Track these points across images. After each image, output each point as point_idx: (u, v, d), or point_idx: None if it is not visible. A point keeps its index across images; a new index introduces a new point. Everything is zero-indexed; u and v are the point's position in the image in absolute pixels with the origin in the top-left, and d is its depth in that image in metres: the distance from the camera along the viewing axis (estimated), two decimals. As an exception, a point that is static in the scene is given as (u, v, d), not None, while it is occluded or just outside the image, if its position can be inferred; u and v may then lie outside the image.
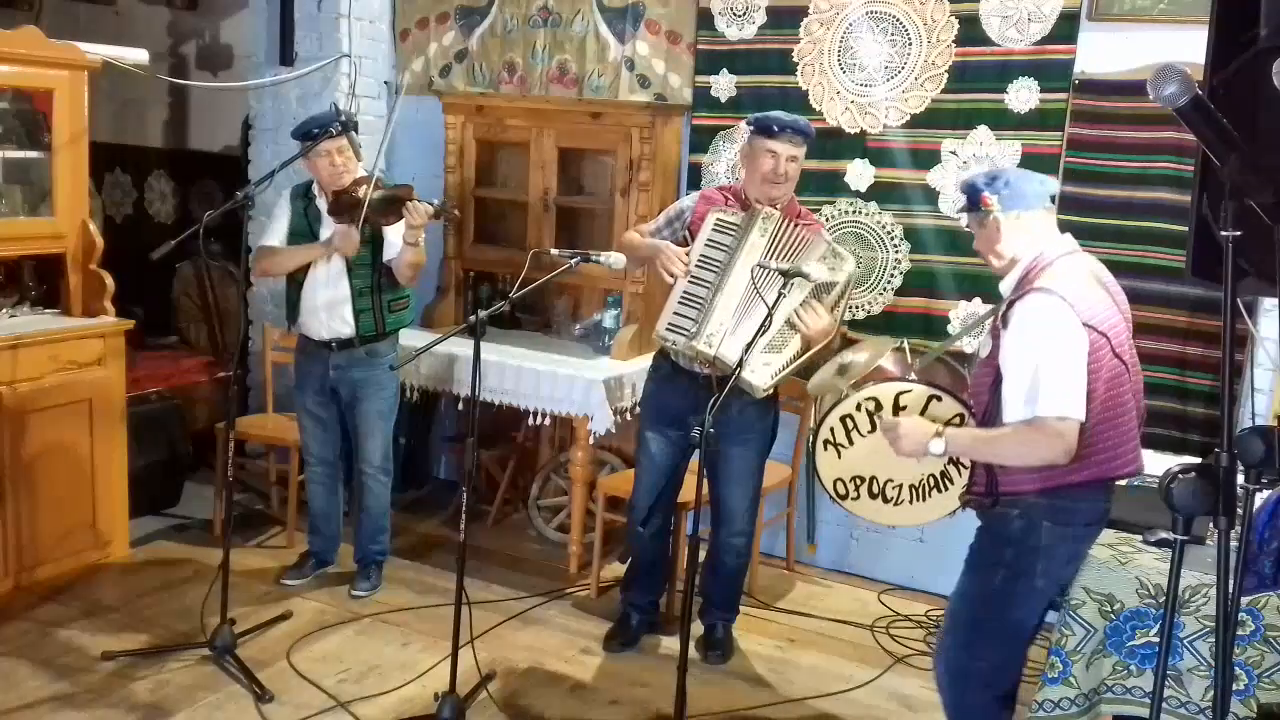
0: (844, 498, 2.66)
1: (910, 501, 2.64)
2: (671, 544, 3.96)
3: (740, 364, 2.89)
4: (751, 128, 3.51)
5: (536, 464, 4.99)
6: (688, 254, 3.45)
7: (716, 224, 3.45)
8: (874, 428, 2.57)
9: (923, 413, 2.55)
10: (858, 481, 2.64)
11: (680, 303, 3.42)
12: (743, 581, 3.89)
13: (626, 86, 4.73)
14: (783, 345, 3.33)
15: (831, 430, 2.60)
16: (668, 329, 3.43)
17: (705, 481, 2.96)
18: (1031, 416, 2.36)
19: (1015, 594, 2.55)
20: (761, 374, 3.30)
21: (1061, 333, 2.37)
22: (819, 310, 3.32)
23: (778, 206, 3.47)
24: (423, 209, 3.65)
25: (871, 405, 2.56)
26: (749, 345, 2.90)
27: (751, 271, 3.35)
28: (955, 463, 2.58)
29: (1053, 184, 2.59)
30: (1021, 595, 2.55)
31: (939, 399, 2.54)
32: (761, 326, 2.89)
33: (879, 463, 2.59)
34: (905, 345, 2.78)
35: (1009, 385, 2.41)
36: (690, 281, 3.42)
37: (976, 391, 2.57)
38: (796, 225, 3.43)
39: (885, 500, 2.65)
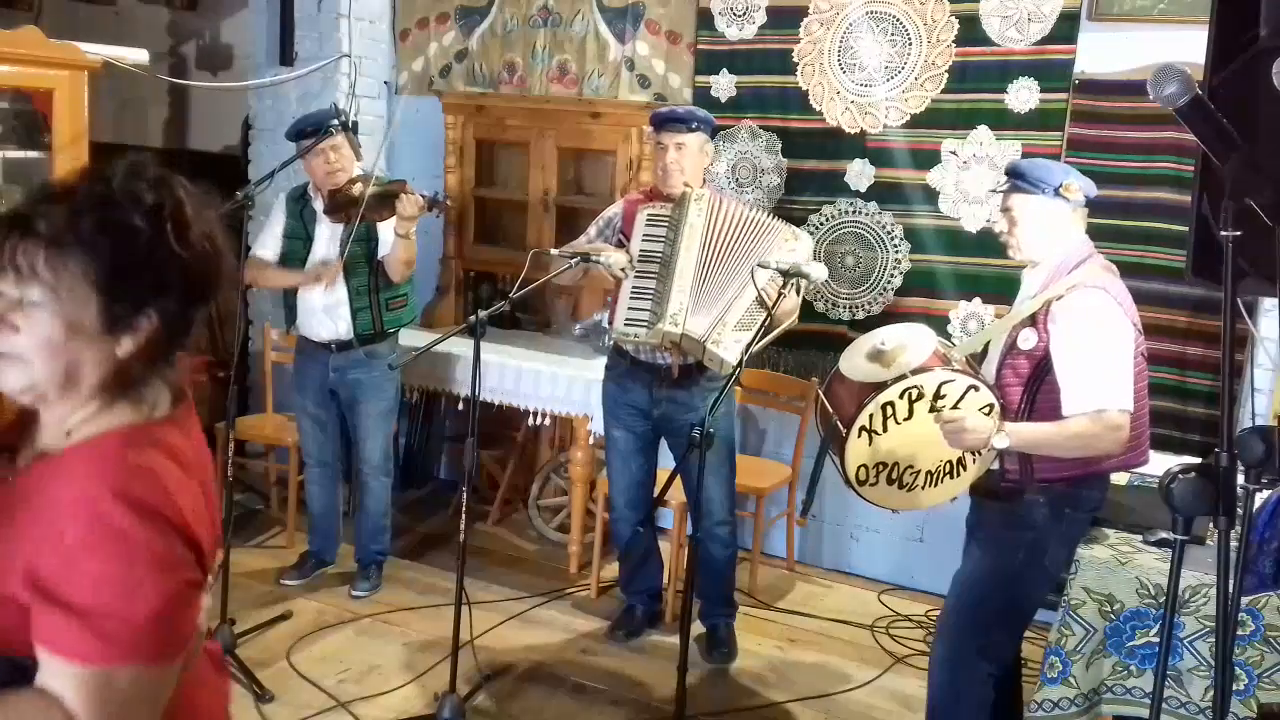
0: (863, 484, 2.65)
1: (924, 487, 2.67)
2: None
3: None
4: (650, 127, 3.64)
5: (536, 464, 4.98)
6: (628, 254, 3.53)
7: (649, 219, 3.55)
8: (910, 415, 2.58)
9: (959, 401, 2.57)
10: (881, 468, 2.63)
11: (632, 298, 3.50)
12: (734, 573, 3.89)
13: (626, 86, 4.73)
14: (751, 323, 3.40)
15: (870, 417, 2.59)
16: (626, 324, 3.50)
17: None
18: (1096, 410, 2.46)
19: (1028, 574, 2.67)
20: (733, 350, 3.37)
21: (1117, 328, 2.51)
22: (788, 292, 3.34)
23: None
24: (415, 199, 3.67)
25: (914, 394, 2.57)
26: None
27: (702, 255, 3.42)
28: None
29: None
30: (1034, 575, 2.67)
31: (976, 389, 2.56)
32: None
33: (906, 449, 2.61)
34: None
35: (1070, 378, 2.50)
36: (636, 277, 3.50)
37: (1011, 382, 2.62)
38: (733, 202, 3.53)
39: (901, 486, 2.65)
